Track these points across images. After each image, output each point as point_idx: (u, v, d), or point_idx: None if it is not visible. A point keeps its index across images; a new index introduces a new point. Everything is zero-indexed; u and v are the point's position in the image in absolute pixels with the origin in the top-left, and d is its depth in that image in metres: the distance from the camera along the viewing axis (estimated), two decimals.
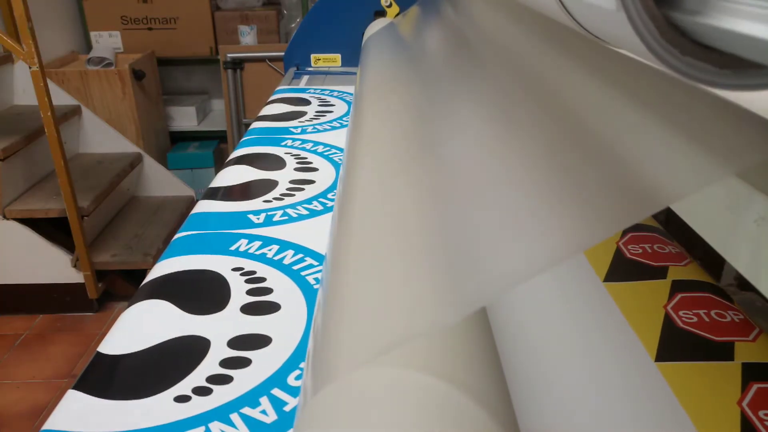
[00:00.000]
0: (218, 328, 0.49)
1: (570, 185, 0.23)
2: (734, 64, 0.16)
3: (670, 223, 0.63)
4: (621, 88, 0.26)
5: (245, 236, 0.63)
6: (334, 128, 0.95)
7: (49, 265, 1.67)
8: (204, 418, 0.40)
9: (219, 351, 0.46)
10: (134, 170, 1.97)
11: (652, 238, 0.54)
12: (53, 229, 1.70)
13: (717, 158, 0.18)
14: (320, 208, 0.69)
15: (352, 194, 0.40)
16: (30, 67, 1.44)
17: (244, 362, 0.45)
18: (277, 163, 0.82)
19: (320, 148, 0.87)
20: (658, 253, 0.52)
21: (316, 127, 0.96)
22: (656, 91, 0.24)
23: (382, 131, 0.49)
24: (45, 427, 0.40)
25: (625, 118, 0.24)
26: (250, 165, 0.82)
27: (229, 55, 2.15)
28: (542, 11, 0.31)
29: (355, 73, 1.13)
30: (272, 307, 0.51)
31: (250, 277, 0.55)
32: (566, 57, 0.33)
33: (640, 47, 0.17)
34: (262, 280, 0.55)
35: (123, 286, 1.78)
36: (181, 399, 0.42)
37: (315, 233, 0.63)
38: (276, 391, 0.43)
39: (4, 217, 1.62)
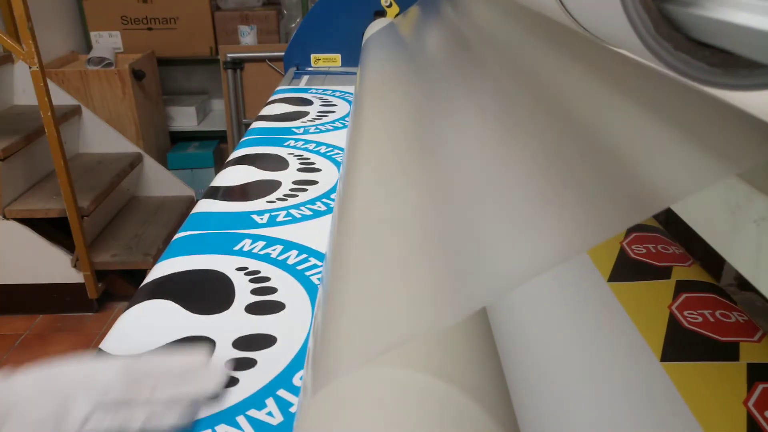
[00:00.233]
0: (223, 329, 0.49)
1: (571, 186, 0.23)
2: (725, 63, 0.16)
3: (670, 224, 0.63)
4: (621, 88, 0.26)
5: (249, 236, 0.63)
6: (336, 128, 0.95)
7: (49, 265, 1.67)
8: (210, 422, 0.40)
9: (224, 352, 0.46)
10: (134, 170, 1.97)
11: (656, 238, 0.54)
12: (53, 229, 1.70)
13: (718, 159, 0.18)
14: (323, 208, 0.69)
15: (352, 194, 0.40)
16: (30, 67, 1.44)
17: (249, 363, 0.45)
18: (279, 163, 0.82)
19: (323, 149, 0.87)
20: (662, 253, 0.52)
21: (318, 127, 0.96)
22: (656, 92, 0.24)
23: (382, 131, 0.49)
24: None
25: (626, 119, 0.24)
26: (252, 165, 0.82)
27: (229, 55, 2.15)
28: (541, 11, 0.31)
29: (355, 73, 1.12)
30: (277, 307, 0.51)
31: (255, 276, 0.55)
32: (567, 57, 0.33)
33: (635, 42, 0.17)
34: (267, 279, 0.55)
35: (123, 286, 1.78)
36: None
37: (319, 233, 0.63)
38: (282, 392, 0.43)
39: (4, 217, 1.62)
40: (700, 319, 0.43)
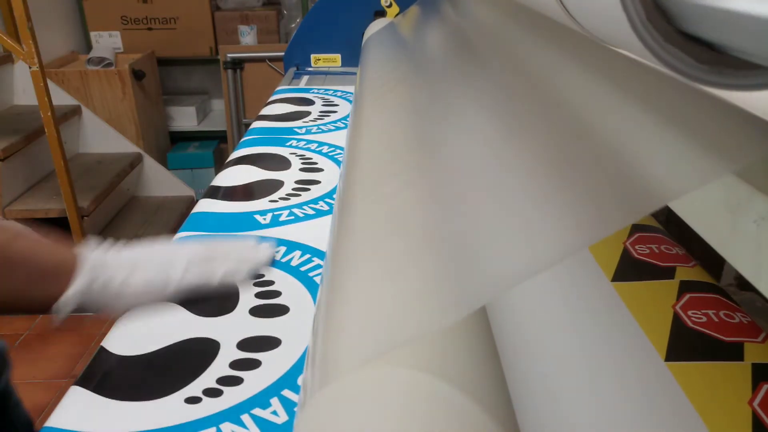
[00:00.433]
0: (228, 330, 0.49)
1: (569, 183, 0.23)
2: (713, 60, 0.16)
3: (670, 223, 0.63)
4: (620, 86, 0.26)
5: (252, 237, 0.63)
6: (338, 128, 0.95)
7: None
8: (215, 419, 0.40)
9: (229, 353, 0.46)
10: (134, 170, 1.97)
11: (659, 239, 0.54)
12: (53, 229, 1.70)
13: (715, 156, 0.18)
14: (326, 208, 0.69)
15: (352, 193, 0.40)
16: (30, 67, 1.44)
17: (254, 364, 0.45)
18: (282, 163, 0.82)
19: (325, 149, 0.87)
20: (666, 253, 0.52)
21: (320, 127, 0.96)
22: (655, 91, 0.24)
23: (382, 130, 0.49)
24: (62, 426, 0.40)
25: (624, 117, 0.24)
26: (254, 165, 0.82)
27: (229, 55, 2.15)
28: (540, 10, 0.31)
29: (355, 73, 1.12)
30: (281, 310, 0.51)
31: (259, 280, 0.55)
32: (566, 55, 0.33)
33: (628, 32, 0.17)
34: (270, 283, 0.55)
35: None
36: (192, 400, 0.42)
37: (321, 233, 0.63)
38: (286, 392, 0.43)
39: (4, 217, 1.62)
40: (705, 318, 0.43)
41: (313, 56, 1.38)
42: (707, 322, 0.43)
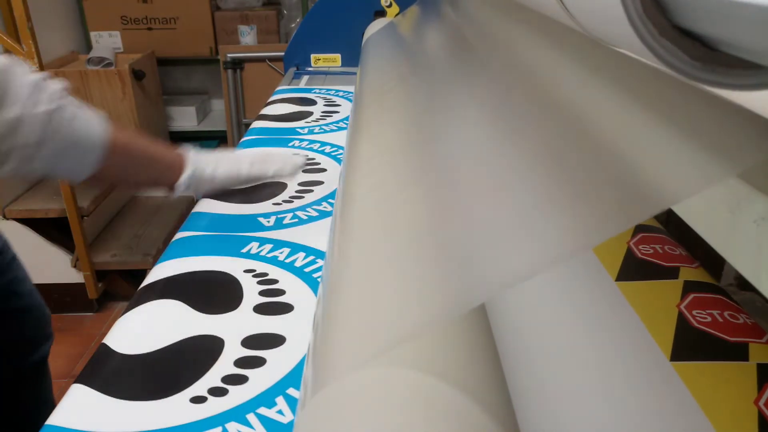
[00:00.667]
0: (232, 328, 0.49)
1: (571, 186, 0.23)
2: (705, 57, 0.16)
3: (671, 223, 0.63)
4: (622, 87, 0.26)
5: (256, 239, 0.63)
6: (340, 129, 0.95)
7: (49, 265, 1.67)
8: (221, 419, 0.40)
9: (233, 350, 0.46)
10: None
11: (662, 239, 0.54)
12: (53, 229, 1.70)
13: (719, 159, 0.18)
14: (330, 209, 0.69)
15: (352, 193, 0.40)
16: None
17: (259, 362, 0.45)
18: None
19: (327, 149, 0.87)
20: (669, 254, 0.52)
21: (323, 127, 0.96)
22: (657, 91, 0.24)
23: (381, 131, 0.49)
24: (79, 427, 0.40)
25: (627, 119, 0.24)
26: None
27: (229, 55, 2.15)
28: (540, 10, 0.31)
29: (355, 73, 1.12)
30: (285, 308, 0.51)
31: (263, 279, 0.55)
32: (567, 56, 0.33)
33: (624, 25, 0.17)
34: (275, 281, 0.55)
35: (123, 286, 1.78)
36: (198, 400, 0.42)
37: (326, 236, 0.63)
38: (291, 391, 0.43)
39: (4, 217, 1.62)
40: (709, 318, 0.43)
41: (313, 56, 1.37)
42: (712, 322, 0.43)
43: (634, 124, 0.24)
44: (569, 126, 0.27)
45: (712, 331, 0.42)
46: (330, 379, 0.25)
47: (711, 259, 0.53)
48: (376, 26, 1.12)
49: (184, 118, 2.39)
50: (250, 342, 0.47)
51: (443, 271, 0.25)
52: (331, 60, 1.37)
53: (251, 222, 0.66)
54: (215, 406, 0.41)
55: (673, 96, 0.23)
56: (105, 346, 0.47)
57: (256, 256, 0.59)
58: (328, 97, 1.13)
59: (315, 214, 0.68)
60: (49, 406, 0.93)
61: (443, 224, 0.29)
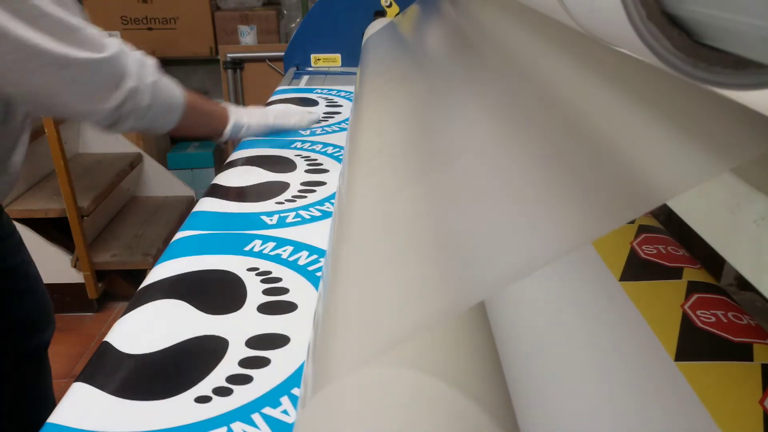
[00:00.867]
0: (236, 328, 0.49)
1: (569, 182, 0.23)
2: (706, 57, 0.16)
3: (671, 223, 0.63)
4: (619, 84, 0.26)
5: (259, 237, 0.63)
6: (342, 129, 0.95)
7: (49, 265, 1.67)
8: (226, 419, 0.40)
9: (238, 350, 0.46)
10: (134, 170, 1.97)
11: (665, 240, 0.54)
12: (53, 229, 1.70)
13: (714, 154, 0.18)
14: (332, 210, 0.69)
15: (352, 191, 0.40)
16: None
17: (263, 362, 0.45)
18: (287, 164, 0.82)
19: (330, 150, 0.87)
20: (672, 254, 0.52)
21: (325, 128, 0.96)
22: (655, 88, 0.24)
23: (381, 130, 0.48)
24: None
25: (624, 116, 0.24)
26: (259, 166, 0.81)
27: (229, 55, 2.15)
28: (540, 9, 0.31)
29: (355, 73, 1.12)
30: (289, 307, 0.51)
31: (266, 277, 0.55)
32: (565, 54, 0.33)
33: (623, 22, 0.17)
34: (278, 280, 0.55)
35: (123, 286, 1.78)
36: (202, 399, 0.42)
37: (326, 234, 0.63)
38: (296, 391, 0.43)
39: None
40: (713, 319, 0.43)
41: (313, 56, 1.37)
42: (716, 323, 0.43)
43: (630, 120, 0.24)
44: (567, 123, 0.27)
45: (717, 332, 0.42)
46: (330, 379, 0.25)
47: (711, 259, 0.53)
48: (376, 26, 1.12)
49: None
50: (254, 342, 0.47)
51: (443, 268, 0.25)
52: (331, 60, 1.37)
53: (254, 220, 0.66)
54: (220, 405, 0.41)
55: (669, 92, 0.23)
56: (109, 345, 0.47)
57: (259, 254, 0.59)
58: (330, 97, 1.13)
59: (318, 214, 0.68)
60: (50, 402, 0.95)
61: (442, 222, 0.29)
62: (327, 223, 0.66)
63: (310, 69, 1.37)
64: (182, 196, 2.06)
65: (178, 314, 0.50)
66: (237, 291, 0.53)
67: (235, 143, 0.93)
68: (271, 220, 0.66)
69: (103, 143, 1.97)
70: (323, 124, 0.98)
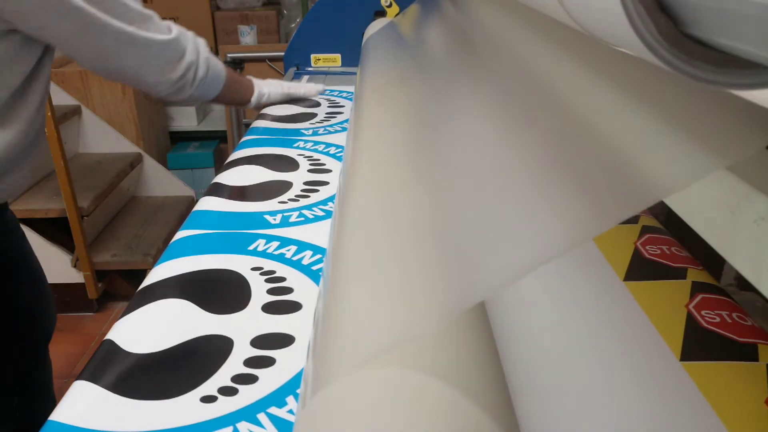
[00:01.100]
0: (241, 327, 0.49)
1: (567, 180, 0.23)
2: (707, 57, 0.16)
3: (671, 223, 0.63)
4: (618, 83, 0.26)
5: (263, 236, 0.63)
6: (345, 129, 0.95)
7: (49, 265, 1.66)
8: (232, 419, 0.40)
9: (242, 350, 0.46)
10: (134, 170, 1.97)
11: (668, 240, 0.54)
12: (53, 229, 1.70)
13: (712, 151, 0.18)
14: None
15: (352, 191, 0.40)
16: None
17: (268, 361, 0.45)
18: (290, 164, 0.82)
19: (332, 150, 0.87)
20: (676, 255, 0.52)
21: (327, 128, 0.96)
22: (653, 86, 0.24)
23: (382, 129, 0.48)
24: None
25: (622, 114, 0.24)
26: (261, 166, 0.81)
27: (229, 55, 2.15)
28: (539, 8, 0.31)
29: (355, 73, 1.12)
30: (293, 307, 0.51)
31: (270, 276, 0.55)
32: (564, 52, 0.33)
33: (626, 29, 0.17)
34: (282, 279, 0.55)
35: (123, 286, 1.78)
36: (208, 399, 0.42)
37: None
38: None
39: None
40: (718, 319, 0.43)
41: (313, 56, 1.37)
42: (721, 323, 0.43)
43: (628, 117, 0.24)
44: (565, 121, 0.27)
45: (722, 332, 0.42)
46: (330, 378, 0.25)
47: (711, 259, 0.53)
48: (376, 26, 1.12)
49: (184, 117, 2.39)
50: (259, 342, 0.47)
51: (444, 267, 0.25)
52: (331, 60, 1.37)
53: (257, 219, 0.66)
54: (226, 405, 0.41)
55: (671, 92, 0.23)
56: (113, 344, 0.47)
57: (263, 254, 0.59)
58: (332, 98, 1.13)
59: (321, 213, 0.68)
60: (50, 399, 0.96)
61: (443, 220, 0.29)
62: (330, 223, 0.66)
63: (310, 69, 1.37)
64: (182, 196, 2.06)
65: (183, 313, 0.50)
66: (241, 290, 0.53)
67: (235, 143, 0.93)
68: (274, 219, 0.66)
69: (103, 143, 1.97)
70: (325, 123, 0.98)
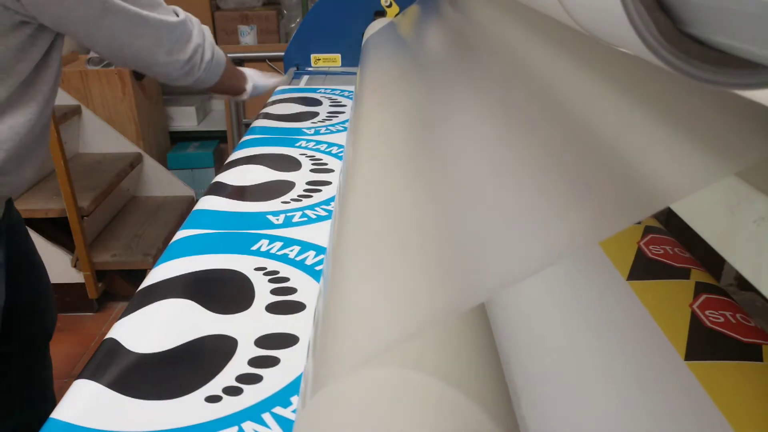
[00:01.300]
0: (244, 328, 0.49)
1: (571, 184, 0.23)
2: (707, 57, 0.16)
3: (670, 223, 0.63)
4: (621, 85, 0.26)
5: (266, 236, 0.63)
6: (346, 129, 0.96)
7: (49, 265, 1.66)
8: (237, 419, 0.40)
9: (247, 350, 0.46)
10: (134, 170, 1.97)
11: (671, 241, 0.54)
12: (53, 229, 1.70)
13: (719, 157, 0.18)
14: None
15: (352, 191, 0.40)
16: None
17: (272, 361, 0.45)
18: (292, 163, 0.82)
19: (334, 149, 0.87)
20: (679, 255, 0.52)
21: (329, 128, 0.96)
22: (658, 89, 0.24)
23: (382, 128, 0.49)
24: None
25: (627, 117, 0.24)
26: (264, 165, 0.81)
27: (229, 54, 2.15)
28: (539, 8, 0.31)
29: (355, 73, 1.12)
30: (297, 307, 0.51)
31: (274, 276, 0.55)
32: (566, 54, 0.33)
33: (625, 28, 0.17)
34: (286, 279, 0.55)
35: (123, 286, 1.78)
36: (213, 399, 0.42)
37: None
38: None
39: None
40: (722, 319, 0.43)
41: (313, 56, 1.37)
42: (725, 323, 0.43)
43: (634, 121, 0.24)
44: (569, 124, 0.27)
45: (726, 332, 0.42)
46: (330, 378, 0.25)
47: (711, 259, 0.53)
48: (376, 26, 1.12)
49: (184, 117, 2.39)
50: (263, 342, 0.47)
51: (444, 267, 0.25)
52: (331, 60, 1.37)
53: (260, 219, 0.66)
54: (231, 405, 0.41)
55: (673, 93, 0.23)
56: (115, 342, 0.47)
57: (267, 254, 0.59)
58: (334, 97, 1.13)
59: (323, 213, 0.68)
60: (50, 398, 0.97)
61: (444, 220, 0.29)
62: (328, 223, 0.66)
63: (310, 69, 1.37)
64: (182, 196, 2.06)
65: (187, 313, 0.50)
66: (245, 290, 0.53)
67: (235, 143, 0.93)
68: (277, 219, 0.66)
69: (103, 143, 1.97)
70: (327, 123, 0.98)
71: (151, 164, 2.03)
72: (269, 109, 1.05)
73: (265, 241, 0.61)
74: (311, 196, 0.72)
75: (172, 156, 2.29)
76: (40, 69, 0.70)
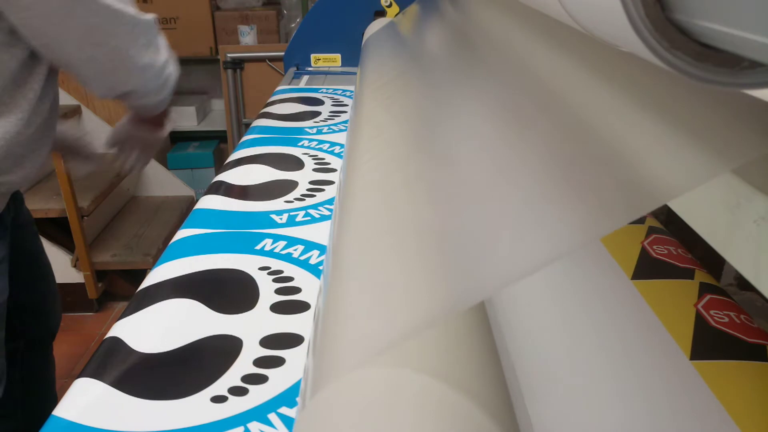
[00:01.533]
0: (249, 328, 0.49)
1: (570, 182, 0.23)
2: (707, 56, 0.16)
3: (670, 223, 0.64)
4: (621, 84, 0.26)
5: (270, 236, 0.63)
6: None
7: None
8: (243, 419, 0.40)
9: (252, 350, 0.46)
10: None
11: (674, 242, 0.54)
12: (53, 229, 1.70)
13: (717, 154, 0.18)
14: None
15: (352, 190, 0.40)
16: None
17: (278, 361, 0.45)
18: (294, 163, 0.82)
19: (337, 149, 0.87)
20: (683, 256, 0.52)
21: (331, 127, 0.96)
22: (656, 88, 0.24)
23: (382, 127, 0.49)
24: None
25: (626, 116, 0.24)
26: (266, 165, 0.81)
27: (229, 55, 2.15)
28: (539, 8, 0.31)
29: (355, 73, 1.13)
30: (301, 307, 0.52)
31: (278, 276, 0.55)
32: (565, 53, 0.33)
33: (625, 28, 0.17)
34: (290, 279, 0.55)
35: (123, 286, 1.78)
36: (218, 399, 0.42)
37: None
38: None
39: None
40: (727, 319, 0.43)
41: (313, 56, 1.38)
42: (730, 323, 0.43)
43: (633, 119, 0.24)
44: (568, 122, 0.27)
45: (731, 332, 0.42)
46: (330, 378, 0.25)
47: (711, 259, 0.54)
48: (376, 26, 1.12)
49: (184, 117, 2.39)
50: (268, 341, 0.47)
51: (445, 266, 0.25)
52: (331, 60, 1.37)
53: (264, 219, 0.66)
54: (236, 405, 0.41)
55: (672, 91, 0.23)
56: (118, 341, 0.47)
57: (270, 253, 0.59)
58: (336, 96, 1.13)
59: (326, 213, 0.68)
60: (52, 397, 0.98)
61: (444, 219, 0.29)
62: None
63: (310, 69, 1.37)
64: (182, 196, 2.06)
65: (191, 313, 0.50)
66: (249, 290, 0.53)
67: (235, 143, 0.93)
68: (280, 218, 0.66)
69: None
70: (329, 122, 0.98)
71: (151, 164, 2.03)
72: (270, 109, 1.05)
73: (268, 241, 0.61)
74: (314, 196, 0.72)
75: (172, 156, 2.29)
76: (29, 65, 0.67)
